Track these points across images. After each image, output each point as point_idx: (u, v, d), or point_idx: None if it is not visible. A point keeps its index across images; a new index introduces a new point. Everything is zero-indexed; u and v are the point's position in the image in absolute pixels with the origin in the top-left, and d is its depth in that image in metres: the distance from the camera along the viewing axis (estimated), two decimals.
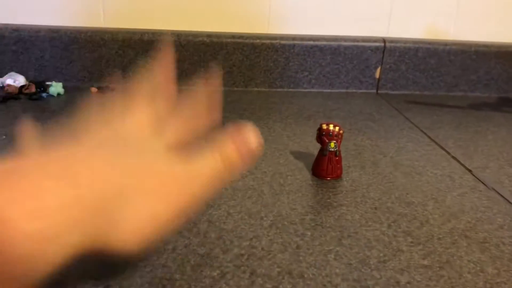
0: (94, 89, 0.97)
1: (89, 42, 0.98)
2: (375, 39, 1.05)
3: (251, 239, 0.47)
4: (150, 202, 0.33)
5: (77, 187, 0.30)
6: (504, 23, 1.14)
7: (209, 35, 1.00)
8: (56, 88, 0.93)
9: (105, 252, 0.32)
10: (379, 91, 1.08)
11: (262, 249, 0.46)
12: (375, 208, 0.55)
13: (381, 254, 0.46)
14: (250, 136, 0.38)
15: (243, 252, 0.45)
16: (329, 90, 1.07)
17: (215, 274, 0.42)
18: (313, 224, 0.51)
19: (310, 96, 1.02)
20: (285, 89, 1.06)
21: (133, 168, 0.34)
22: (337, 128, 0.61)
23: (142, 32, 0.99)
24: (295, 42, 1.02)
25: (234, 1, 1.04)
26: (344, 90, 1.07)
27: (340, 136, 0.61)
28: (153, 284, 0.40)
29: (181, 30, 1.02)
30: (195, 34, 0.99)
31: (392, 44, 1.04)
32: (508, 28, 1.14)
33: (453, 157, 0.71)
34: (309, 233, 0.49)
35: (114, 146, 0.36)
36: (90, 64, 0.99)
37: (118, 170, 0.32)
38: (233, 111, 0.89)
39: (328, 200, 0.56)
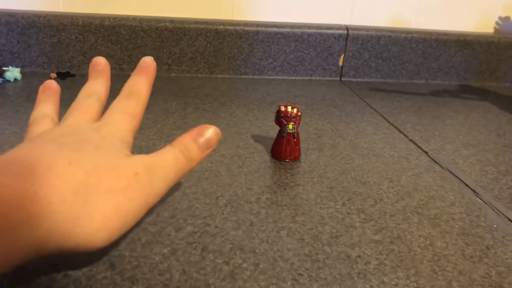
0: (53, 75, 0.95)
1: (47, 26, 0.95)
2: (338, 27, 1.05)
3: (205, 217, 0.47)
4: (112, 197, 0.33)
5: (34, 184, 0.29)
6: (464, 13, 1.16)
7: (172, 20, 0.98)
8: (12, 73, 0.90)
9: (66, 249, 0.31)
10: (342, 79, 1.09)
11: (216, 227, 0.45)
12: (331, 188, 0.55)
13: (334, 230, 0.46)
14: (207, 129, 0.39)
15: (196, 230, 0.45)
16: (293, 77, 1.07)
17: (165, 251, 0.41)
18: (268, 203, 0.51)
19: (275, 83, 1.02)
20: (250, 76, 1.05)
21: (92, 163, 0.33)
22: (295, 109, 0.61)
23: (103, 17, 0.97)
24: (259, 28, 1.02)
25: None
26: (308, 78, 1.08)
27: (298, 117, 0.62)
28: (102, 261, 0.39)
29: (143, 16, 1.01)
30: (158, 20, 0.98)
31: (355, 32, 1.05)
32: (467, 17, 1.17)
33: (411, 140, 0.73)
34: (263, 211, 0.49)
35: (71, 141, 0.35)
36: (49, 49, 0.96)
37: (76, 166, 0.32)
38: (196, 96, 0.88)
39: (285, 180, 0.56)
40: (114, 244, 0.41)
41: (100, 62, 0.48)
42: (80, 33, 0.96)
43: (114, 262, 0.39)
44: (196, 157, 0.38)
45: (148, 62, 0.46)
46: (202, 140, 0.38)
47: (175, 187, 0.52)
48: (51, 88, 0.48)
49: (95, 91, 0.45)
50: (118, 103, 0.43)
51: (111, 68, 0.98)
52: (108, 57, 0.98)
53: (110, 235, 0.33)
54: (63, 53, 0.97)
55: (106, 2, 1.01)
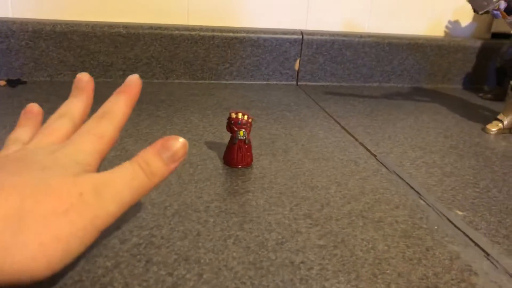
0: (3, 82, 0.92)
1: None
2: (293, 32, 1.07)
3: (151, 228, 0.47)
4: (50, 222, 0.30)
5: None
6: (415, 16, 1.20)
7: (126, 26, 0.97)
8: None
9: (2, 283, 0.29)
10: (299, 83, 1.10)
11: (162, 237, 0.45)
12: (280, 193, 0.56)
13: (280, 237, 0.47)
14: (173, 141, 0.36)
15: (141, 241, 0.44)
16: (250, 82, 1.08)
17: (109, 264, 0.41)
18: (217, 211, 0.51)
19: (231, 88, 1.03)
20: (207, 81, 1.05)
21: (32, 187, 0.31)
22: (246, 116, 0.62)
23: (54, 23, 0.95)
24: (215, 33, 1.02)
25: None
26: (265, 82, 1.09)
27: (249, 124, 0.62)
28: None
29: (96, 21, 0.99)
30: (111, 25, 0.97)
31: (310, 37, 1.07)
32: (418, 21, 1.20)
33: (361, 144, 0.74)
34: (211, 220, 0.49)
35: (14, 165, 0.33)
36: None
37: (9, 192, 0.30)
38: (150, 102, 0.87)
39: (236, 187, 0.57)
40: None
41: (82, 79, 0.45)
42: (30, 39, 0.94)
43: (54, 278, 0.38)
44: (159, 173, 0.35)
45: (132, 81, 0.43)
46: (166, 153, 0.35)
47: None
48: (31, 112, 0.45)
49: (69, 110, 0.43)
50: (88, 124, 0.40)
51: (63, 74, 0.97)
52: (60, 63, 0.96)
53: (50, 263, 0.30)
54: (13, 60, 0.95)
55: (58, 8, 0.99)
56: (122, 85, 0.43)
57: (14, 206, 0.29)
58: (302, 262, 0.43)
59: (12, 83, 0.93)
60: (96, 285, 0.38)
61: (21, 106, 0.79)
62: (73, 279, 0.39)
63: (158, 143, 0.36)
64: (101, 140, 0.38)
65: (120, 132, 0.41)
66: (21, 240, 0.29)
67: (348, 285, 0.40)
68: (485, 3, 0.76)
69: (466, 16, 1.23)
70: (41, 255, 0.30)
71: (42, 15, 0.98)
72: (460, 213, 0.55)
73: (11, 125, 0.70)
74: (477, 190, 0.62)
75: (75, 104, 0.44)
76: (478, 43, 1.19)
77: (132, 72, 1.00)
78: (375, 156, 0.70)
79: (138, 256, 0.42)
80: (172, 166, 0.36)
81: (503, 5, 0.77)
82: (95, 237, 0.34)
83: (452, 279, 0.43)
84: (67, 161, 0.35)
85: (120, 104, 0.42)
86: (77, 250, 0.33)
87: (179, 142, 0.36)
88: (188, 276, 0.40)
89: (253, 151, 0.65)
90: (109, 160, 0.61)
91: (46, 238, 0.30)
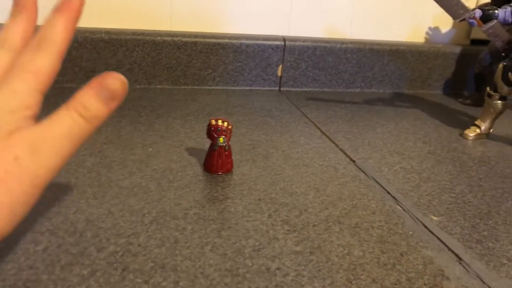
0: None
1: None
2: (276, 38, 1.08)
3: (129, 236, 0.47)
4: None
5: None
6: (396, 23, 1.21)
7: (108, 31, 0.97)
8: None
9: None
10: (281, 89, 1.11)
11: (139, 245, 0.46)
12: (259, 200, 0.57)
13: (257, 243, 0.47)
14: (111, 79, 0.32)
15: (118, 249, 0.45)
16: (233, 88, 1.08)
17: (85, 272, 0.41)
18: (195, 218, 0.51)
19: (214, 94, 1.03)
20: (189, 87, 1.06)
21: None
22: (225, 123, 0.62)
23: (35, 29, 0.94)
24: (197, 39, 1.02)
25: None
26: (248, 88, 1.09)
27: (228, 131, 0.63)
28: (16, 287, 0.38)
29: (78, 27, 0.99)
30: (93, 31, 0.97)
31: (292, 43, 1.08)
32: (399, 28, 1.22)
33: (341, 149, 0.75)
34: (189, 227, 0.49)
35: None
36: None
37: None
38: (132, 108, 0.87)
39: (215, 194, 0.57)
40: (32, 267, 0.41)
41: None
42: None
43: (29, 287, 0.39)
44: (99, 114, 0.32)
45: None
46: (105, 92, 0.32)
47: (99, 205, 0.52)
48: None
49: (6, 37, 0.35)
50: (23, 57, 0.34)
51: None
52: None
53: None
54: None
55: (39, 13, 0.98)
56: (60, 1, 0.35)
57: None
58: (278, 269, 0.44)
59: None
60: None
61: None
62: (47, 287, 0.39)
63: (94, 82, 0.32)
64: (38, 76, 0.34)
65: (60, 62, 0.35)
66: None
67: None
68: (461, 12, 0.78)
69: (445, 23, 1.25)
70: None
71: None
72: (435, 218, 0.56)
73: None
74: (453, 195, 0.63)
75: (14, 27, 0.36)
76: (457, 50, 1.21)
77: None
78: (354, 162, 0.71)
79: (115, 264, 0.42)
80: (113, 105, 0.33)
81: (478, 13, 0.78)
82: (39, 194, 0.32)
83: (425, 284, 0.43)
84: (0, 113, 0.31)
85: (58, 29, 0.35)
86: (23, 212, 0.31)
87: (118, 79, 0.32)
88: (164, 283, 0.40)
89: (233, 157, 0.66)
90: (88, 168, 0.61)
91: None
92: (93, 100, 0.32)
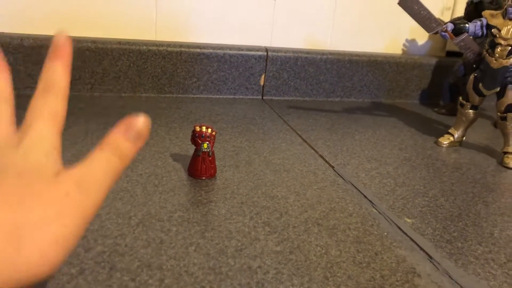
0: None
1: None
2: (258, 48, 1.11)
3: (115, 237, 0.49)
4: (46, 229, 0.31)
5: None
6: (374, 35, 1.26)
7: (94, 41, 0.99)
8: None
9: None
10: (264, 97, 1.14)
11: (126, 246, 0.47)
12: (242, 203, 0.59)
13: (239, 244, 0.50)
14: (135, 121, 0.37)
15: (105, 249, 0.46)
16: (217, 96, 1.11)
17: (73, 271, 0.43)
18: (180, 221, 0.53)
19: (199, 102, 1.05)
20: (174, 95, 1.08)
21: (16, 195, 0.31)
22: (209, 129, 0.65)
23: (22, 37, 0.95)
24: (182, 49, 1.05)
25: (120, 8, 1.04)
26: (231, 96, 1.12)
27: (212, 137, 0.65)
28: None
29: None
30: (79, 40, 0.98)
31: (274, 53, 1.11)
32: (377, 39, 1.26)
33: (320, 156, 0.78)
34: (174, 229, 0.51)
35: None
36: None
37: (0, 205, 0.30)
38: (118, 116, 0.88)
39: (199, 198, 0.59)
40: None
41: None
42: None
43: None
44: (129, 153, 0.33)
45: (61, 41, 0.41)
46: (132, 133, 0.35)
47: None
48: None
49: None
50: (35, 103, 0.38)
51: (31, 88, 0.98)
52: (28, 77, 0.96)
53: (52, 265, 0.31)
54: None
55: (26, 22, 1.00)
56: (52, 48, 0.36)
57: (7, 218, 0.30)
58: (259, 267, 0.46)
59: None
60: None
61: None
62: (37, 285, 0.40)
63: (123, 126, 0.34)
64: (56, 118, 0.37)
65: (66, 104, 0.39)
66: (24, 254, 0.29)
67: (302, 287, 0.43)
68: (434, 25, 0.81)
69: (422, 35, 1.30)
70: (43, 261, 0.30)
71: (10, 29, 0.99)
72: (408, 220, 0.59)
73: None
74: (426, 199, 0.66)
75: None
76: (433, 61, 1.26)
77: (100, 86, 1.01)
78: (333, 167, 0.74)
79: (102, 264, 0.44)
80: (139, 144, 0.35)
81: (450, 27, 0.82)
82: (87, 226, 0.35)
83: (397, 281, 0.46)
84: (38, 157, 0.33)
85: (59, 73, 0.39)
86: (74, 245, 0.33)
87: (141, 121, 0.36)
88: (150, 281, 0.42)
89: (217, 163, 0.68)
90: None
91: (46, 245, 0.30)
92: (123, 141, 0.33)
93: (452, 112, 1.14)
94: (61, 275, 0.42)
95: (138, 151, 0.36)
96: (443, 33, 0.83)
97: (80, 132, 0.78)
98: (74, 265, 0.43)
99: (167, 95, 1.07)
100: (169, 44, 1.04)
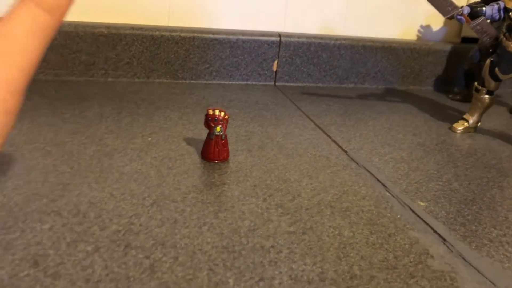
0: None
1: None
2: (271, 34, 1.10)
3: (130, 217, 0.49)
4: None
5: None
6: (389, 21, 1.24)
7: (108, 26, 0.99)
8: None
9: None
10: (276, 83, 1.14)
11: (140, 225, 0.48)
12: (255, 186, 0.59)
13: (252, 224, 0.50)
14: None
15: (120, 228, 0.47)
16: (229, 82, 1.11)
17: (89, 248, 0.43)
18: (193, 201, 0.54)
19: (211, 88, 1.06)
20: (187, 81, 1.08)
21: None
22: (222, 113, 0.65)
23: None
24: (195, 34, 1.05)
25: None
26: (244, 82, 1.12)
27: (225, 121, 0.65)
28: (26, 260, 0.41)
29: (79, 21, 1.01)
30: (93, 25, 0.99)
31: (287, 39, 1.10)
32: (392, 25, 1.25)
33: (333, 141, 0.78)
34: (188, 209, 0.52)
35: None
36: None
37: None
38: (131, 101, 0.89)
39: (212, 180, 0.60)
40: (39, 243, 0.43)
41: None
42: None
43: (38, 260, 0.41)
44: (58, 4, 0.31)
45: None
46: None
47: (101, 189, 0.54)
48: None
49: None
50: None
51: (45, 73, 0.99)
52: (42, 62, 0.97)
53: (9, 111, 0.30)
54: None
55: None
56: None
57: None
58: (272, 247, 0.46)
59: None
60: (77, 267, 0.41)
61: None
62: (54, 261, 0.41)
63: None
64: None
65: None
66: None
67: (314, 267, 0.44)
68: (450, 9, 0.80)
69: (437, 21, 1.28)
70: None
71: None
72: (422, 203, 0.59)
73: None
74: (440, 183, 0.66)
75: None
76: (448, 47, 1.24)
77: (114, 71, 1.02)
78: (346, 152, 0.74)
79: (118, 242, 0.45)
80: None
81: (466, 10, 0.81)
82: (19, 102, 0.31)
83: (411, 262, 0.46)
84: None
85: None
86: (6, 122, 0.30)
87: None
88: (164, 259, 0.43)
89: (230, 147, 0.68)
90: (90, 155, 0.63)
91: None
92: None
93: (467, 98, 1.12)
94: (77, 252, 0.42)
95: (69, 4, 0.32)
96: (459, 17, 0.81)
97: (95, 116, 0.79)
98: (90, 243, 0.44)
99: (180, 81, 1.08)
100: (182, 30, 1.04)
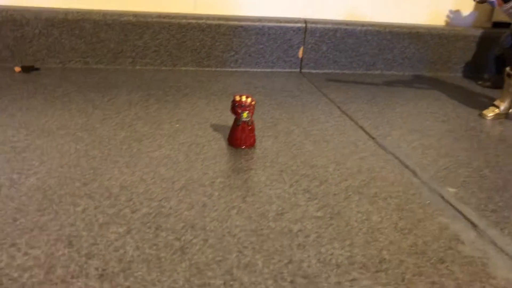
0: (18, 69, 0.96)
1: (10, 21, 0.96)
2: (297, 20, 1.09)
3: (160, 200, 0.50)
4: None
5: None
6: (416, 6, 1.22)
7: (135, 14, 1.00)
8: None
9: None
10: (302, 70, 1.13)
11: (170, 208, 0.49)
12: (281, 171, 0.59)
13: (280, 208, 0.50)
14: None
15: (151, 211, 0.48)
16: (255, 69, 1.11)
17: (121, 230, 0.44)
18: (221, 186, 0.54)
19: (237, 75, 1.06)
20: (213, 68, 1.08)
21: None
22: (249, 99, 0.65)
23: (67, 11, 0.98)
24: (221, 22, 1.05)
25: None
26: (269, 70, 1.12)
27: (252, 106, 0.65)
28: (60, 241, 0.42)
29: (107, 10, 1.02)
30: (121, 14, 1.00)
31: (313, 25, 1.09)
32: (420, 11, 1.22)
33: (360, 127, 0.77)
34: (216, 193, 0.52)
35: None
36: (12, 44, 0.97)
37: None
38: (159, 88, 0.90)
39: (239, 166, 0.60)
40: (73, 225, 0.44)
41: None
42: (44, 27, 0.97)
43: (72, 241, 0.42)
44: None
45: None
46: None
47: (131, 173, 0.55)
48: None
49: None
50: None
51: (74, 61, 1.00)
52: (72, 50, 0.99)
53: None
54: (27, 47, 0.98)
55: None
56: None
57: None
58: (300, 231, 0.46)
59: (27, 69, 0.96)
60: (109, 247, 0.42)
61: (36, 91, 0.83)
62: (88, 242, 0.42)
63: None
64: None
65: None
66: None
67: (342, 251, 0.44)
68: None
69: (467, 5, 1.25)
70: None
71: (55, 4, 1.01)
72: (451, 189, 0.58)
73: (27, 108, 0.74)
74: (470, 169, 0.64)
75: None
76: (478, 32, 1.21)
77: (142, 59, 1.03)
78: (373, 138, 0.73)
79: (148, 224, 0.46)
80: None
81: None
82: None
83: (440, 247, 0.46)
84: None
85: None
86: None
87: None
88: (194, 241, 0.44)
89: (256, 134, 0.68)
90: (120, 141, 0.65)
91: None
92: None
93: (497, 85, 1.09)
94: (110, 233, 0.44)
95: None
96: (491, 0, 0.79)
97: (123, 103, 0.80)
98: (121, 225, 0.45)
99: (206, 69, 1.08)
100: (208, 17, 1.05)
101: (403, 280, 0.40)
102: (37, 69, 0.98)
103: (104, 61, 1.01)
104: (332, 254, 0.43)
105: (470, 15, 1.27)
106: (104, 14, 0.99)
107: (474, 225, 0.50)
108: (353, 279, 0.40)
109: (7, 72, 0.94)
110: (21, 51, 0.98)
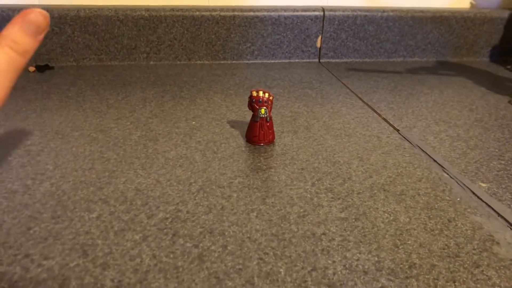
0: (32, 68, 0.95)
1: None
2: (314, 8, 1.06)
3: (177, 203, 0.48)
4: None
5: None
6: None
7: (148, 9, 0.98)
8: None
9: None
10: (321, 60, 1.10)
11: (187, 212, 0.47)
12: (302, 169, 0.57)
13: (301, 210, 0.48)
14: (33, 14, 0.34)
15: (167, 216, 0.46)
16: (272, 61, 1.08)
17: (137, 237, 0.43)
18: (240, 187, 0.52)
19: (253, 67, 1.03)
20: (229, 61, 1.06)
21: None
22: (266, 94, 0.62)
23: (79, 8, 0.96)
24: (235, 13, 1.02)
25: None
26: (287, 60, 1.09)
27: (270, 102, 0.63)
28: (75, 250, 0.41)
29: (119, 5, 1.00)
30: (133, 8, 0.98)
31: (331, 13, 1.05)
32: None
33: (384, 119, 0.74)
34: (235, 195, 0.50)
35: None
36: None
37: None
38: (174, 84, 0.88)
39: (258, 164, 0.58)
40: (88, 232, 0.43)
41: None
42: (56, 25, 0.96)
43: (86, 250, 0.41)
44: (30, 48, 0.34)
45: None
46: (30, 27, 0.34)
47: (147, 175, 0.54)
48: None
49: None
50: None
51: (88, 59, 0.99)
52: (85, 48, 0.98)
53: None
54: (40, 46, 0.97)
55: None
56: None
57: None
58: (323, 234, 0.44)
59: (41, 69, 0.95)
60: (125, 256, 0.40)
61: (50, 91, 0.82)
62: (103, 251, 0.41)
63: (18, 20, 0.34)
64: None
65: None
66: None
67: (369, 255, 0.41)
68: None
69: None
70: None
71: (67, 1, 1.00)
72: (483, 185, 0.55)
73: (41, 109, 0.73)
74: (502, 162, 0.61)
75: None
76: (506, 14, 1.16)
77: (156, 54, 1.01)
78: (398, 130, 0.70)
79: (165, 230, 0.44)
80: (39, 37, 0.35)
81: None
82: None
83: (474, 249, 0.43)
84: None
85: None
86: None
87: (39, 13, 0.34)
88: (213, 247, 0.42)
89: (275, 129, 0.66)
90: (135, 141, 0.63)
91: None
92: (22, 35, 0.34)
93: None
94: (125, 241, 0.42)
95: (37, 45, 0.35)
96: None
97: (138, 101, 0.78)
98: (137, 231, 0.43)
99: (222, 62, 1.06)
100: (222, 9, 1.02)
101: (435, 287, 0.38)
102: (51, 68, 0.97)
103: (118, 57, 0.99)
104: (358, 259, 0.41)
105: None
106: (116, 10, 0.97)
107: (509, 224, 0.47)
108: (382, 287, 0.37)
109: (22, 73, 0.93)
110: (34, 51, 0.97)
